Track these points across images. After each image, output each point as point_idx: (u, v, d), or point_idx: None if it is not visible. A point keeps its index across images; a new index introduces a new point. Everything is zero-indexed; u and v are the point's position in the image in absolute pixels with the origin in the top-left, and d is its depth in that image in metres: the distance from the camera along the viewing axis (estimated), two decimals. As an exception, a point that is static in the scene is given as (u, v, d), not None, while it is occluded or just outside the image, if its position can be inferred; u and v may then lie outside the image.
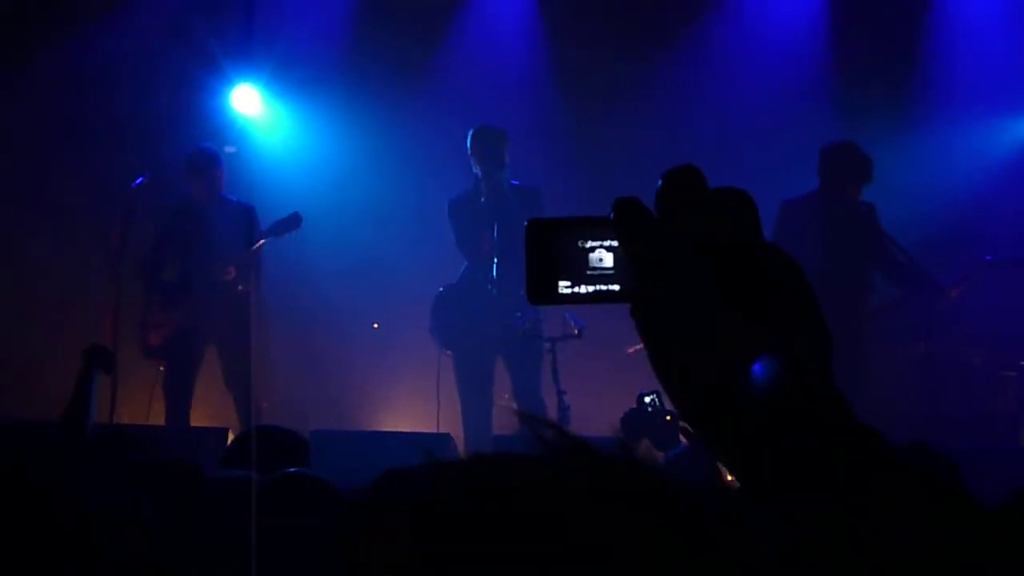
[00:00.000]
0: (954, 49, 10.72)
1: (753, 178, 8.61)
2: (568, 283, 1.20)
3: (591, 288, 1.20)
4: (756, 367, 1.06)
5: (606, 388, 7.31)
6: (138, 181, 8.97)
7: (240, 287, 8.97)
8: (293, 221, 8.88)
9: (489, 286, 8.58)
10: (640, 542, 0.96)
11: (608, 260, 1.19)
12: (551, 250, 1.21)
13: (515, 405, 8.79)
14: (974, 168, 10.43)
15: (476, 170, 8.78)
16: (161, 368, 9.16)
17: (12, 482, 2.83)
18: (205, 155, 9.16)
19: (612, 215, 1.14)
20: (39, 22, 10.52)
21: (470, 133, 8.84)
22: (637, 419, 6.07)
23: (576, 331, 8.32)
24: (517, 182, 8.67)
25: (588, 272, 1.20)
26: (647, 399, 6.01)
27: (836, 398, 1.06)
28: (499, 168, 8.68)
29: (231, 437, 7.96)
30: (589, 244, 1.20)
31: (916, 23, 10.84)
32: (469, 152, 8.80)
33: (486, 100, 10.60)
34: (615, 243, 1.18)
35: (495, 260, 8.53)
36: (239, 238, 8.96)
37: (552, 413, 8.31)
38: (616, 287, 1.19)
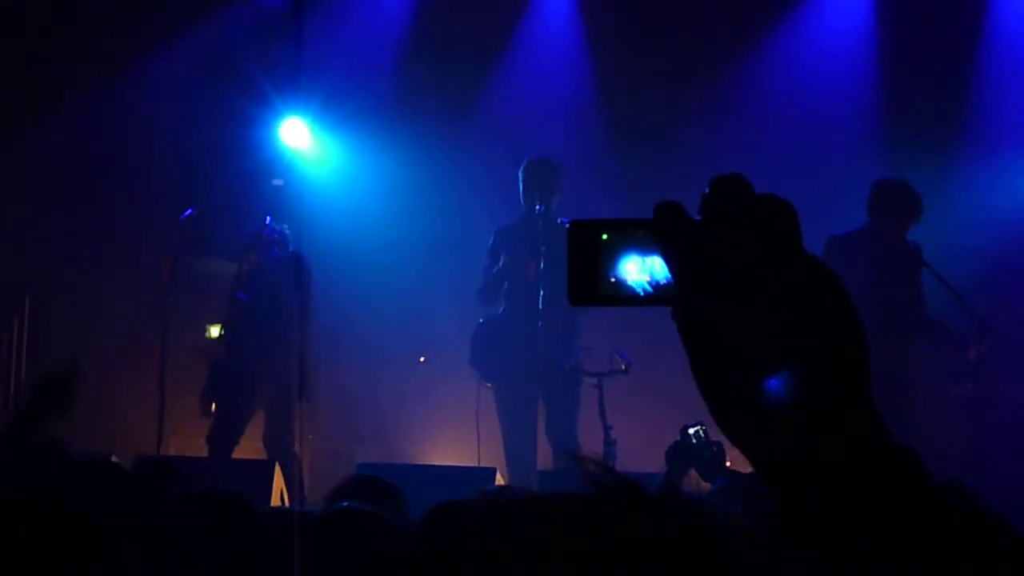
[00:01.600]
0: (1007, 75, 10.66)
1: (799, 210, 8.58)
2: (609, 285, 1.20)
3: (631, 291, 1.20)
4: (791, 380, 1.05)
5: (653, 423, 7.27)
6: (187, 213, 9.02)
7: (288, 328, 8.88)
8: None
9: (537, 320, 8.56)
10: None
11: (649, 263, 1.19)
12: (593, 251, 1.21)
13: (548, 442, 8.75)
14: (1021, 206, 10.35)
15: (525, 201, 8.78)
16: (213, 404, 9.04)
17: (50, 513, 2.84)
18: (268, 234, 9.07)
19: (653, 219, 1.14)
20: (90, 55, 10.61)
21: (524, 164, 8.86)
22: (682, 452, 6.04)
23: (623, 366, 8.29)
24: (566, 220, 8.66)
25: (629, 274, 1.20)
26: (691, 431, 5.98)
27: (873, 416, 1.06)
28: (552, 199, 8.70)
29: (277, 470, 7.97)
30: (631, 246, 1.20)
31: (966, 57, 10.79)
32: (521, 182, 8.81)
33: (532, 133, 10.62)
34: (655, 246, 1.17)
35: (541, 292, 8.52)
36: (291, 285, 8.88)
37: (597, 448, 8.28)
38: (657, 291, 1.19)
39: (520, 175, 8.85)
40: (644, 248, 1.19)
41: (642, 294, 1.20)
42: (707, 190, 1.13)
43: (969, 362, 8.78)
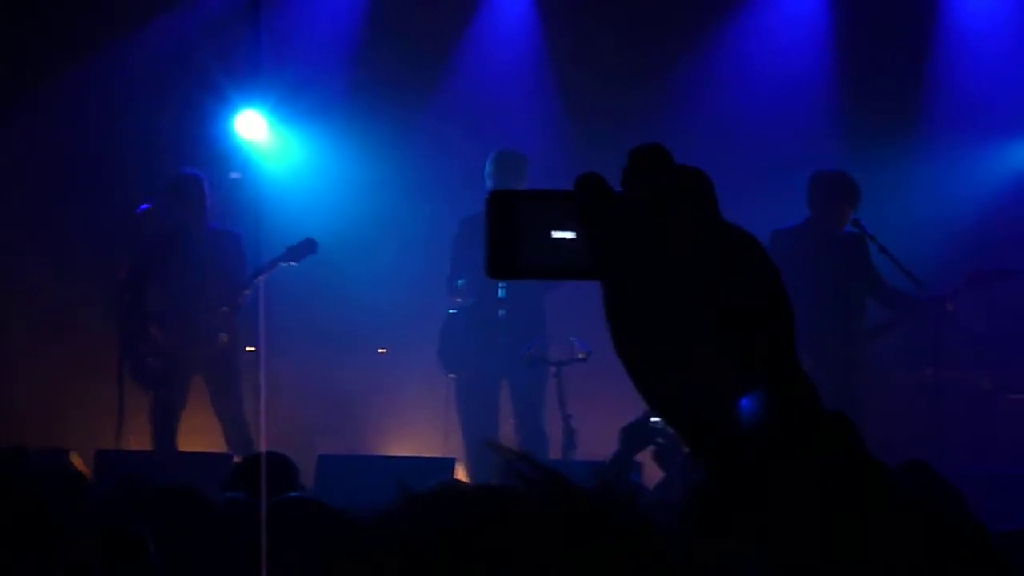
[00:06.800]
0: (960, 67, 10.71)
1: (756, 198, 8.63)
2: (528, 257, 1.17)
3: (554, 263, 1.17)
4: (714, 345, 1.05)
5: (613, 411, 7.27)
6: (143, 207, 8.98)
7: (224, 309, 8.91)
8: (308, 246, 8.85)
9: (499, 309, 8.57)
10: None
11: (572, 235, 1.16)
12: (514, 223, 1.17)
13: (516, 430, 8.78)
14: (980, 188, 10.40)
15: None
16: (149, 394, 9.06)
17: (5, 506, 2.82)
18: (189, 180, 9.10)
19: (574, 190, 1.13)
20: (42, 48, 10.54)
21: (492, 155, 8.86)
22: (638, 431, 6.04)
23: (582, 355, 8.31)
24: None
25: (552, 246, 1.17)
26: (654, 417, 5.97)
27: (801, 378, 1.06)
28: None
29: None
30: (551, 217, 1.17)
31: (922, 41, 10.84)
32: (488, 174, 8.81)
33: (493, 121, 10.62)
34: (575, 216, 1.14)
35: (503, 283, 8.52)
36: (229, 266, 8.90)
37: (557, 437, 8.28)
38: (580, 263, 1.15)
39: (488, 166, 8.85)
40: (564, 219, 1.16)
41: (562, 267, 1.17)
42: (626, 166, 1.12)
43: (946, 334, 8.75)
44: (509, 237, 1.17)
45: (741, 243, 1.09)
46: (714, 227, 1.09)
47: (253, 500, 3.15)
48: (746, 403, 1.03)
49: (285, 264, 8.85)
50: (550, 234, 1.17)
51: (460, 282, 8.86)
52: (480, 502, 0.99)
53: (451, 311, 9.03)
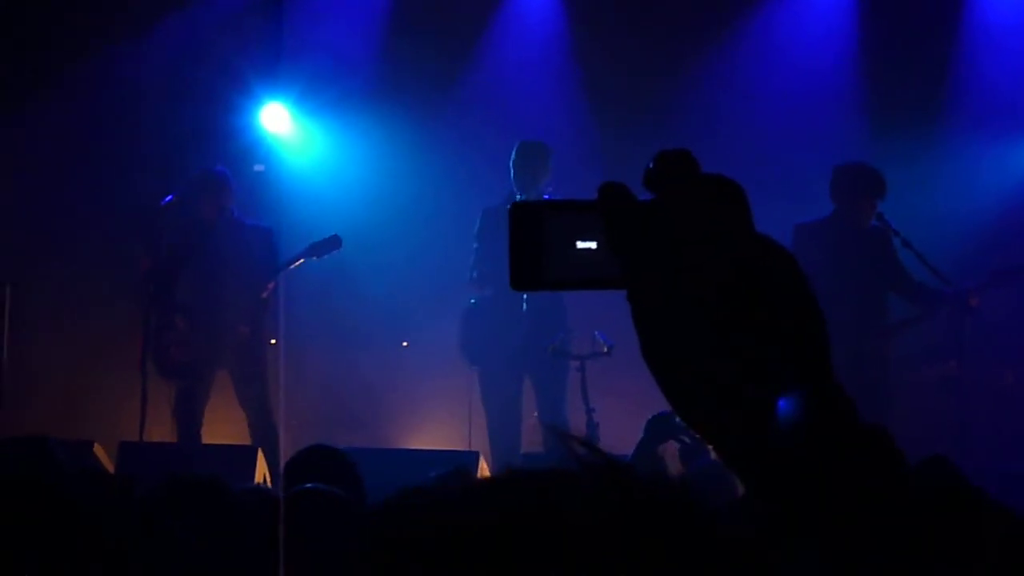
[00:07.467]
0: (985, 62, 10.67)
1: (779, 192, 8.60)
2: (552, 269, 1.16)
3: (578, 274, 1.16)
4: (747, 361, 1.04)
5: (636, 406, 7.25)
6: (168, 199, 9.00)
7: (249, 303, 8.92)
8: (333, 242, 8.85)
9: (522, 301, 8.57)
10: (666, 562, 0.94)
11: (594, 246, 1.15)
12: (537, 234, 1.16)
13: (540, 424, 8.77)
14: (1004, 184, 10.37)
15: (517, 184, 8.76)
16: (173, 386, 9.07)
17: (31, 494, 2.83)
18: (214, 177, 9.10)
19: (598, 200, 1.11)
20: (65, 41, 10.56)
21: (516, 146, 8.84)
22: (663, 423, 6.04)
23: (605, 349, 8.29)
24: (548, 196, 8.66)
25: (576, 257, 1.16)
26: (680, 414, 5.95)
27: (837, 394, 1.04)
28: (540, 182, 8.68)
29: (260, 456, 7.97)
30: (574, 228, 1.16)
31: (947, 36, 10.80)
32: (513, 165, 8.79)
33: (516, 113, 10.62)
34: (599, 227, 1.13)
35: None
36: (258, 261, 8.90)
37: (579, 432, 8.25)
38: (605, 273, 1.14)
39: (512, 158, 8.83)
40: (588, 230, 1.15)
41: (587, 278, 1.16)
42: (651, 164, 1.11)
43: (968, 329, 8.71)
44: (532, 249, 1.16)
45: (775, 257, 1.07)
46: (748, 239, 1.07)
47: (279, 492, 3.16)
48: (780, 416, 1.02)
49: (311, 259, 8.84)
50: (574, 245, 1.16)
51: (474, 273, 8.87)
52: (545, 486, 0.99)
53: (472, 301, 9.02)
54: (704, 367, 1.05)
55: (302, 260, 8.83)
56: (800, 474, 1.01)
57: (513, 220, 1.16)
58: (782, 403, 1.03)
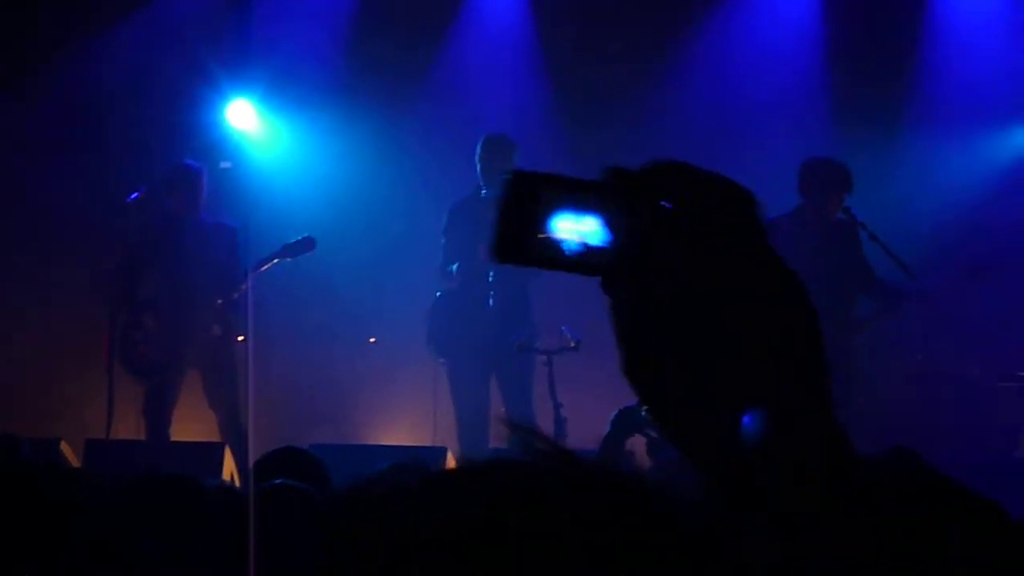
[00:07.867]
0: (951, 56, 10.73)
1: (746, 185, 8.61)
2: (539, 243, 1.10)
3: (561, 253, 1.10)
4: (742, 381, 1.03)
5: (603, 401, 7.25)
6: (134, 195, 8.96)
7: (219, 301, 8.87)
8: (307, 244, 8.83)
9: (488, 296, 8.57)
10: (623, 554, 0.94)
11: (585, 227, 1.10)
12: (531, 207, 1.10)
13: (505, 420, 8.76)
14: (970, 178, 10.42)
15: (483, 179, 8.76)
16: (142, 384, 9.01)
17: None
18: (189, 171, 9.05)
19: (608, 185, 1.08)
20: (31, 35, 10.51)
21: (481, 141, 8.84)
22: (629, 417, 6.03)
23: (573, 343, 8.30)
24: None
25: (561, 235, 1.10)
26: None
27: (833, 425, 1.03)
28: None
29: (228, 453, 7.95)
30: (569, 207, 1.10)
31: (913, 30, 10.85)
32: (477, 161, 8.79)
33: (484, 109, 10.62)
34: (598, 210, 1.09)
35: (491, 271, 8.51)
36: (223, 260, 8.85)
37: (548, 426, 8.28)
38: (588, 257, 1.10)
39: (477, 152, 8.83)
40: (583, 210, 1.10)
41: (572, 258, 1.10)
42: (646, 167, 1.07)
43: (936, 307, 8.74)
44: (521, 220, 1.11)
45: (782, 278, 1.06)
46: (758, 253, 1.06)
47: (249, 490, 3.16)
48: (752, 433, 1.01)
49: (286, 260, 8.83)
50: (567, 224, 1.10)
51: (453, 268, 8.85)
52: (501, 479, 0.99)
53: (438, 293, 9.01)
54: (691, 370, 1.04)
55: (276, 261, 8.80)
56: (784, 494, 1.01)
57: (509, 188, 1.11)
58: (756, 417, 1.02)
